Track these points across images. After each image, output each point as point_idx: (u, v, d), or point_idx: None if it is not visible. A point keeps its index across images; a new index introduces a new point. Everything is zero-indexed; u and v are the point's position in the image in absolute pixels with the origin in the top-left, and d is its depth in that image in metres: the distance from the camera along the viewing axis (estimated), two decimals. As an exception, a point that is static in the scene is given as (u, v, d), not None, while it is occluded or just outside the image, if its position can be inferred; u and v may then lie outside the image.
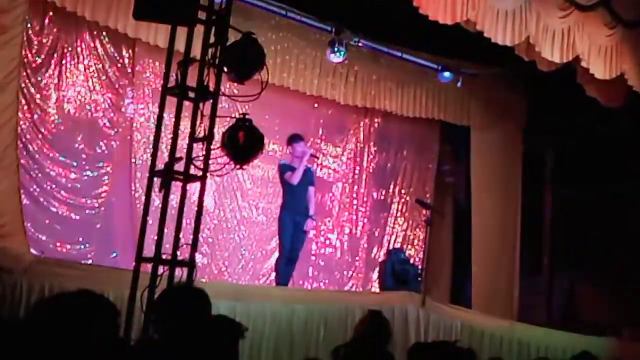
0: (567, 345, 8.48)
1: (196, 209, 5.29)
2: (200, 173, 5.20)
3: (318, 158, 9.98)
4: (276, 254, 9.42)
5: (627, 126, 10.30)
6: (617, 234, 10.56)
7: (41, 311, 2.41)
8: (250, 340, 6.76)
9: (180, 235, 5.11)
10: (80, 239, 9.04)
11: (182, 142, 5.25)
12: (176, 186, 5.30)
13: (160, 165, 5.23)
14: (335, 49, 9.99)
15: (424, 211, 11.24)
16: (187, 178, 5.17)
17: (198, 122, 5.17)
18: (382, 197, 11.91)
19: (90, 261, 8.81)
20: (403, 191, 12.00)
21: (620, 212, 10.66)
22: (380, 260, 11.37)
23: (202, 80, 5.21)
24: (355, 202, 11.61)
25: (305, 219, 8.90)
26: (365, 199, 11.73)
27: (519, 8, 8.11)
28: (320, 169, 11.17)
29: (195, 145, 5.21)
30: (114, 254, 9.19)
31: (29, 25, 8.21)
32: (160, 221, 5.01)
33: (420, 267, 10.47)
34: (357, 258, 11.53)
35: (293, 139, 9.01)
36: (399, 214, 11.96)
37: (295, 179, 8.68)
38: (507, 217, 11.27)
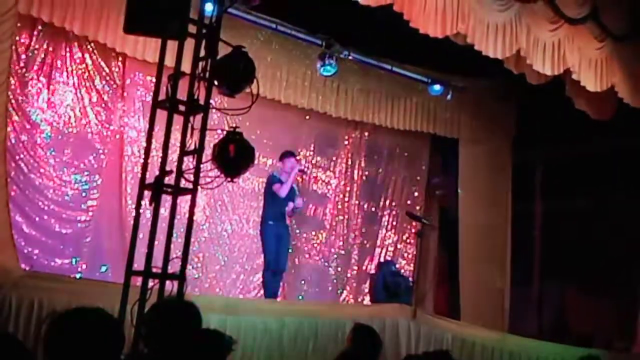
0: (557, 356, 8.50)
1: (187, 222, 5.28)
2: (190, 186, 5.19)
3: (305, 174, 10.06)
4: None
5: (615, 138, 10.35)
6: (607, 245, 10.58)
7: (58, 329, 2.45)
8: (241, 353, 6.75)
9: (171, 249, 5.10)
10: (70, 253, 9.00)
11: (173, 156, 5.24)
12: (167, 199, 5.29)
13: (150, 179, 5.22)
14: (326, 63, 10.04)
15: (414, 223, 11.29)
16: (178, 191, 5.17)
17: (188, 136, 5.17)
18: (373, 210, 11.93)
19: (80, 275, 8.77)
20: (393, 203, 12.03)
21: (610, 223, 10.69)
22: (371, 272, 11.38)
23: (192, 94, 5.21)
24: (346, 214, 11.62)
25: (286, 230, 8.98)
26: (356, 211, 11.74)
27: (509, 21, 8.15)
28: (312, 182, 11.20)
29: (185, 158, 5.20)
30: (104, 268, 9.15)
31: (17, 38, 8.20)
32: (150, 234, 4.99)
33: (411, 279, 10.49)
34: (348, 271, 11.52)
35: (284, 155, 9.20)
36: (389, 226, 11.98)
37: (284, 191, 8.81)
38: (497, 229, 11.27)
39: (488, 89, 11.29)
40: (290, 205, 8.99)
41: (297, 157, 9.58)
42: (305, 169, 10.26)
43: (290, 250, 9.66)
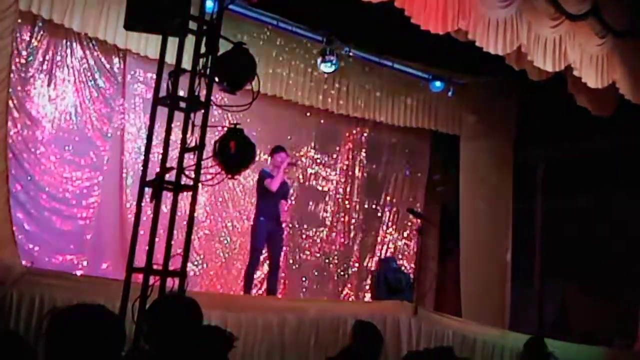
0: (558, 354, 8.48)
1: (187, 219, 5.27)
2: (191, 183, 5.19)
3: (296, 165, 10.03)
4: (267, 264, 9.41)
5: (617, 136, 10.34)
6: (608, 243, 10.58)
7: (59, 326, 2.46)
8: (242, 350, 6.74)
9: (172, 246, 5.09)
10: (72, 250, 9.00)
11: (173, 152, 5.24)
12: (168, 196, 5.29)
13: (151, 176, 5.21)
14: (327, 59, 10.03)
15: (415, 220, 11.28)
16: (178, 188, 5.16)
17: (189, 132, 5.16)
18: (374, 207, 11.92)
19: (81, 272, 8.76)
20: (394, 200, 12.03)
21: (611, 221, 10.68)
22: (372, 269, 11.38)
23: (193, 91, 5.20)
24: (347, 211, 11.61)
25: (278, 227, 8.94)
26: (357, 208, 11.73)
27: (510, 17, 8.14)
28: (312, 179, 11.20)
29: (186, 155, 5.20)
30: (105, 265, 9.15)
31: (18, 35, 8.19)
32: (151, 231, 4.99)
33: (412, 275, 10.48)
34: (349, 267, 11.52)
35: (275, 150, 9.12)
36: (390, 223, 11.98)
37: (274, 185, 8.73)
38: (498, 227, 11.27)
39: (489, 86, 11.28)
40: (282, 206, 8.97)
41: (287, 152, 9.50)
42: (295, 161, 10.18)
43: (283, 248, 9.61)
